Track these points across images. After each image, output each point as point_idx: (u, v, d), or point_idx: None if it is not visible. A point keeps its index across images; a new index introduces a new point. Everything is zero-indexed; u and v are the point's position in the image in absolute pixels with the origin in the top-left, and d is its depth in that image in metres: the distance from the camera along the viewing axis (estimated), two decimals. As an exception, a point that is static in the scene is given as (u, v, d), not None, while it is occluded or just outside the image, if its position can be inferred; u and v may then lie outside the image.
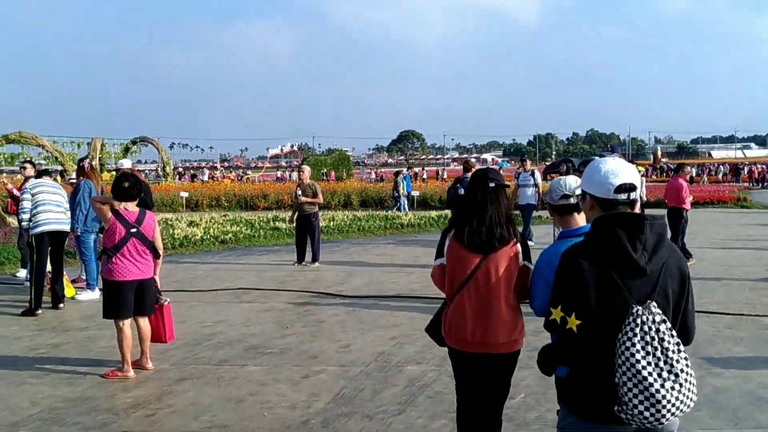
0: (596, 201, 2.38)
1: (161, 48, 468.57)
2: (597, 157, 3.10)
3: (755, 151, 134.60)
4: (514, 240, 3.32)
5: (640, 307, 2.13)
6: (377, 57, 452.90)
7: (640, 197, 6.46)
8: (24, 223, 8.48)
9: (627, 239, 2.19)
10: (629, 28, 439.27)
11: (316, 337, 6.93)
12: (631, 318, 2.13)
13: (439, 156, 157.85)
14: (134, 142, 43.80)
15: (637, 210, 2.42)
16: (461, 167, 15.56)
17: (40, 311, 8.02)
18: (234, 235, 15.56)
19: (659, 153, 76.67)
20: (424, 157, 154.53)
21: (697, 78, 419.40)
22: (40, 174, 9.34)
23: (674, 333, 2.16)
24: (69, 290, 8.75)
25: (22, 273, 11.08)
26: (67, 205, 8.78)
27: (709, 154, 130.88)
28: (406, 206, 23.74)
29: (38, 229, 8.26)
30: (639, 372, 2.08)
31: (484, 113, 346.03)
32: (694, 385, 2.16)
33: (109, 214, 5.65)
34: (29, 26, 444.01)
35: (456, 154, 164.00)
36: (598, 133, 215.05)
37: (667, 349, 2.10)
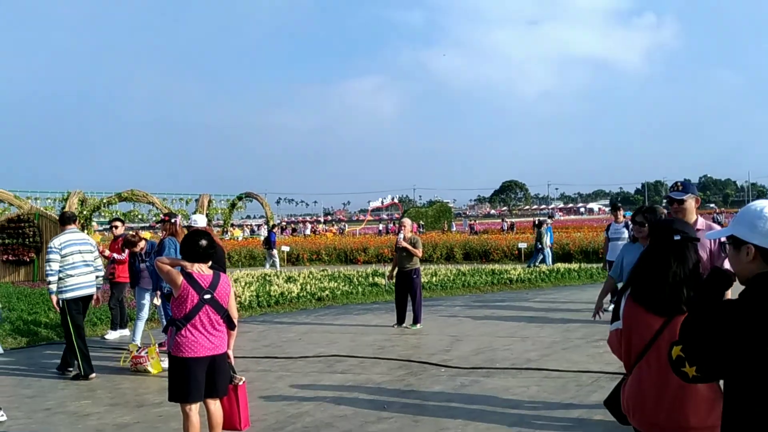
0: (760, 252, 2.05)
1: (273, 109, 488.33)
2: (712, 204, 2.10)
3: None
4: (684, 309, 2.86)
5: None
6: (480, 109, 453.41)
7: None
8: (52, 286, 7.68)
9: None
10: (741, 71, 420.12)
11: (417, 423, 5.81)
12: None
13: (543, 206, 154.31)
14: (240, 198, 44.80)
15: None
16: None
17: (93, 374, 7.66)
18: (331, 292, 14.78)
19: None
20: (527, 207, 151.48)
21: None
22: (65, 220, 8.20)
23: None
24: (156, 366, 7.98)
25: (112, 335, 10.66)
26: (98, 262, 8.24)
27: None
28: (550, 259, 22.04)
29: (68, 294, 7.72)
30: None
31: (589, 162, 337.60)
32: None
33: (180, 278, 4.83)
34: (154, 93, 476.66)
35: (561, 204, 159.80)
36: (712, 179, 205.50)
37: None
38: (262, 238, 27.44)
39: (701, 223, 4.60)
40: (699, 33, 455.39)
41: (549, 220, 27.13)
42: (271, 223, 44.47)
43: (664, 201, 4.47)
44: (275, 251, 24.30)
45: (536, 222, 26.01)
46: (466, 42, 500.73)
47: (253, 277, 18.13)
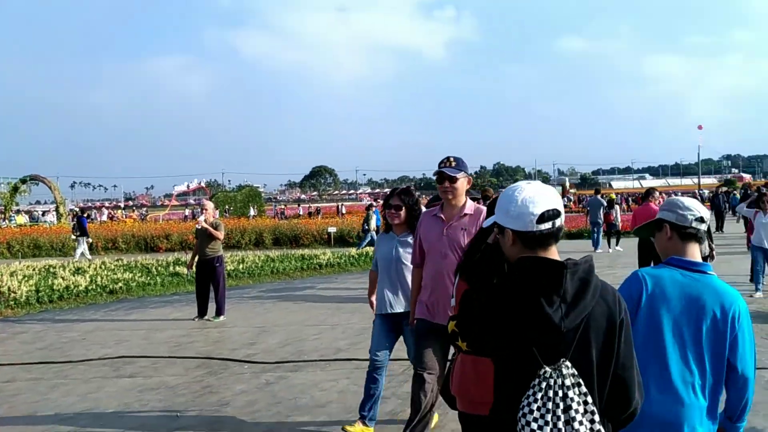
0: (518, 237, 2.00)
1: (74, 86, 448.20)
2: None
3: (649, 181, 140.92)
4: None
5: (548, 368, 1.85)
6: (291, 94, 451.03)
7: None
8: None
9: (542, 290, 1.90)
10: (532, 66, 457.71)
11: (216, 431, 5.14)
12: (536, 380, 1.85)
13: (351, 191, 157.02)
14: (23, 181, 40.53)
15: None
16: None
17: None
18: (126, 283, 13.44)
19: (567, 184, 78.49)
20: (336, 192, 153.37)
21: (597, 112, 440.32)
22: None
23: (590, 399, 1.85)
24: None
25: None
26: None
27: (610, 185, 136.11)
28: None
29: None
30: None
31: (395, 149, 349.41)
32: None
33: None
34: None
35: (368, 189, 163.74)
36: (504, 166, 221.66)
37: (573, 419, 1.80)
38: (72, 225, 24.62)
39: (470, 206, 4.14)
40: (494, 29, 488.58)
41: (375, 204, 27.26)
42: (62, 208, 40.68)
43: (434, 175, 4.18)
44: (86, 239, 21.89)
45: (367, 206, 25.94)
46: (276, 26, 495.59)
47: (34, 269, 16.10)
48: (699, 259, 2.63)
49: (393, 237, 4.90)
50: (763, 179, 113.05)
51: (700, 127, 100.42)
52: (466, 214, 4.09)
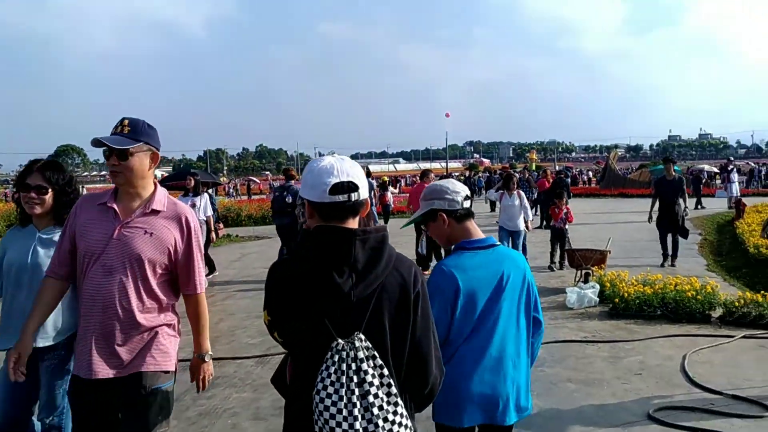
0: (314, 207, 1.97)
1: None
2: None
3: (403, 165, 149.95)
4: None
5: (341, 341, 1.83)
6: (30, 64, 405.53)
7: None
8: None
9: (332, 259, 1.88)
10: (297, 49, 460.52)
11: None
12: (329, 354, 1.83)
13: (104, 172, 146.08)
14: None
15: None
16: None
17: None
18: None
19: (287, 169, 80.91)
20: (87, 173, 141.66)
21: (356, 98, 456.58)
22: None
23: (386, 372, 1.85)
24: None
25: None
26: None
27: (367, 169, 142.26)
28: None
29: None
30: (327, 421, 1.78)
31: (159, 129, 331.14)
32: None
33: None
34: None
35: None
36: (267, 148, 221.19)
37: (368, 392, 1.80)
38: None
39: (162, 199, 2.86)
40: (256, 8, 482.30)
41: (210, 190, 25.57)
42: None
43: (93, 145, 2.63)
44: None
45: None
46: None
47: None
48: (481, 234, 2.74)
49: (33, 233, 3.38)
50: (500, 163, 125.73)
51: (447, 115, 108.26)
52: (154, 211, 2.82)
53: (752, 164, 50.95)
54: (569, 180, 28.40)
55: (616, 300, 7.99)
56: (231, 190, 56.04)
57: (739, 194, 24.36)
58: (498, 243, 2.74)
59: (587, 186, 45.88)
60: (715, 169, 37.71)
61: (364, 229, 1.95)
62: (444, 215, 2.68)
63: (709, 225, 18.30)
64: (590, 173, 57.67)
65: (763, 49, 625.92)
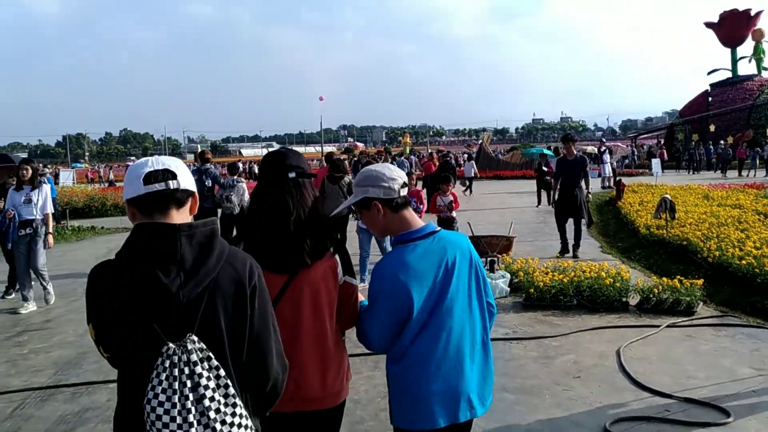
0: (134, 205, 1.85)
1: None
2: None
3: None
4: (331, 250, 2.51)
5: (173, 345, 1.70)
6: None
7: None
8: None
9: (155, 258, 1.75)
10: (162, 29, 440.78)
11: None
12: (160, 360, 1.69)
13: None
14: None
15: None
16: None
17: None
18: None
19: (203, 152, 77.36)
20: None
21: (225, 81, 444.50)
22: None
23: (223, 372, 1.74)
24: None
25: None
26: None
27: (240, 153, 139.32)
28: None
29: None
30: (161, 430, 1.65)
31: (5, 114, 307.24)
32: None
33: None
34: None
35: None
36: (132, 132, 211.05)
37: (203, 396, 1.68)
38: None
39: None
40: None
41: (49, 170, 23.23)
42: None
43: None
44: None
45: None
46: None
47: None
48: (419, 222, 2.52)
49: None
50: (374, 147, 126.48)
51: (321, 99, 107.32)
52: None
53: (625, 146, 53.58)
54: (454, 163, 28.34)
55: (531, 290, 7.50)
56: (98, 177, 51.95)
57: (611, 174, 25.25)
58: (438, 228, 2.53)
59: (461, 169, 46.56)
60: (596, 150, 39.22)
61: (190, 223, 1.83)
62: (379, 204, 2.47)
63: (589, 206, 18.64)
64: (466, 156, 58.75)
65: (615, 37, 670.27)
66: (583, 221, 11.03)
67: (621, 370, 5.26)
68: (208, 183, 11.05)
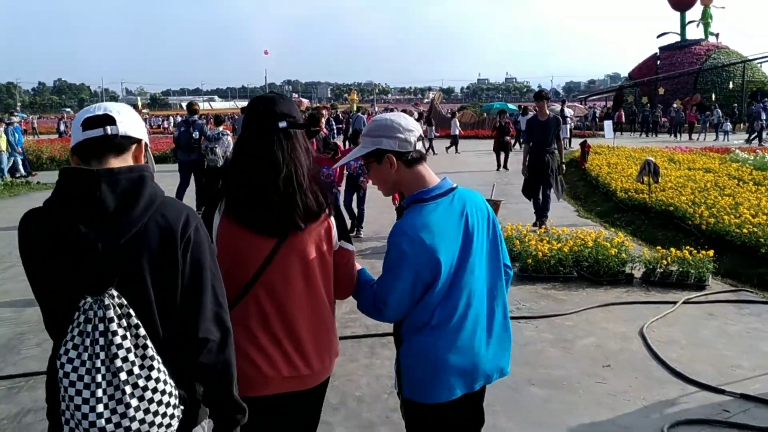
0: (75, 152, 1.77)
1: None
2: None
3: (219, 104, 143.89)
4: (326, 211, 2.20)
5: (89, 299, 1.59)
6: None
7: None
8: None
9: (75, 204, 1.63)
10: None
11: None
12: (76, 314, 1.59)
13: None
14: None
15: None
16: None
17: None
18: None
19: (139, 104, 74.73)
20: None
21: (167, 32, 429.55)
22: None
23: (143, 332, 1.61)
24: None
25: None
26: None
27: (180, 106, 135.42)
28: (20, 167, 17.71)
29: None
30: (67, 389, 1.56)
31: None
32: (162, 406, 1.62)
33: None
34: None
35: None
36: (67, 83, 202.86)
37: (116, 356, 1.56)
38: None
39: None
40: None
41: (16, 119, 21.44)
42: None
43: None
44: None
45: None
46: None
47: None
48: (436, 178, 2.29)
49: None
50: (319, 103, 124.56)
51: (266, 53, 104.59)
52: None
53: (584, 107, 53.32)
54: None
55: (528, 260, 6.83)
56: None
57: (568, 136, 24.88)
58: (455, 184, 2.32)
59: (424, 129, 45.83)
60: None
61: (113, 168, 1.68)
62: (393, 158, 2.23)
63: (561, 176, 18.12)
64: (416, 115, 57.95)
65: (558, 5, 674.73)
66: (552, 190, 9.69)
67: (653, 357, 4.65)
68: (196, 135, 10.86)
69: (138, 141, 1.79)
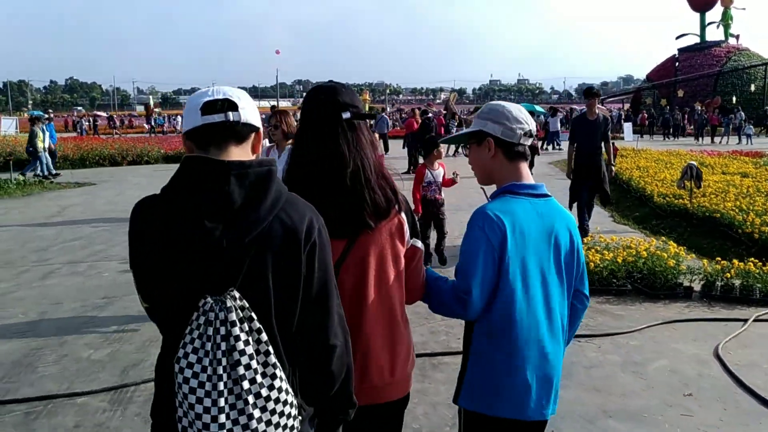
0: (190, 138, 1.62)
1: None
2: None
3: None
4: (396, 207, 2.03)
5: (210, 299, 1.46)
6: None
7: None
8: None
9: (200, 198, 1.52)
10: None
11: None
12: (195, 315, 1.47)
13: None
14: None
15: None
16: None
17: None
18: None
19: (152, 103, 74.70)
20: None
21: (179, 30, 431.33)
22: None
23: (265, 337, 1.49)
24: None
25: None
26: None
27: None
28: (51, 165, 17.41)
29: None
30: (186, 396, 1.44)
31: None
32: (284, 418, 1.51)
33: None
34: None
35: None
36: (78, 81, 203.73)
37: (239, 363, 1.44)
38: None
39: None
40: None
41: (45, 115, 21.47)
42: None
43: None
44: None
45: (31, 119, 18.55)
46: None
47: None
48: (532, 179, 2.17)
49: None
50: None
51: (277, 52, 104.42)
52: None
53: (606, 109, 52.62)
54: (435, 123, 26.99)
55: (579, 271, 6.36)
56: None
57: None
58: (550, 194, 2.16)
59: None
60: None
61: (243, 161, 1.57)
62: (492, 143, 2.13)
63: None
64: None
65: (571, 2, 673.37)
66: (597, 197, 9.01)
67: (738, 384, 4.19)
68: None
69: (257, 129, 1.67)
